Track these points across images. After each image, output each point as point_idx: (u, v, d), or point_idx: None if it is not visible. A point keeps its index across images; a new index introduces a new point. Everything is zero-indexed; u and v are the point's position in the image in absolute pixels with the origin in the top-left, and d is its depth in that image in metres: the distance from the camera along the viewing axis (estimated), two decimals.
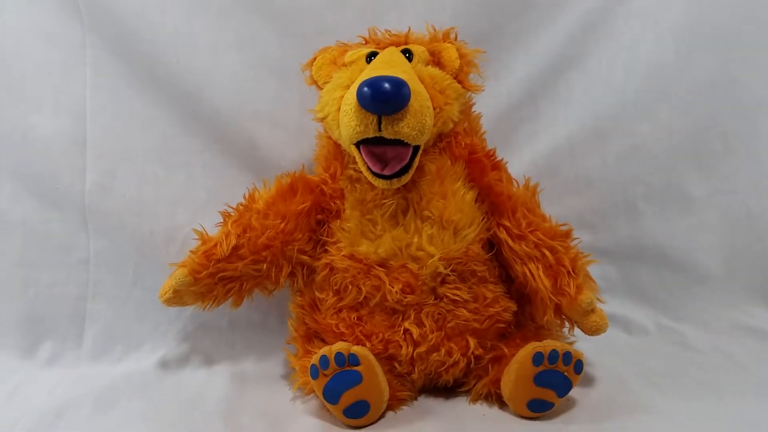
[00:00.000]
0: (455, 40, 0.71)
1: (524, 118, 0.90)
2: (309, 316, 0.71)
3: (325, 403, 0.62)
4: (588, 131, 0.89)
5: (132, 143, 0.81)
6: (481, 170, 0.68)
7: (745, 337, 0.85)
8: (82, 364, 0.79)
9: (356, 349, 0.62)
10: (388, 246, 0.65)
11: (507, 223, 0.67)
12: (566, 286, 0.66)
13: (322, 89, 0.69)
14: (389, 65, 0.62)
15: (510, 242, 0.67)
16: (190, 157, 0.82)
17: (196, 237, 0.70)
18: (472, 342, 0.66)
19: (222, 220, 0.70)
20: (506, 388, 0.64)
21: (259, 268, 0.68)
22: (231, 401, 0.70)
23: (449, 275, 0.65)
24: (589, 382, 0.72)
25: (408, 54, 0.67)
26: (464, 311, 0.66)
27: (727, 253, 0.92)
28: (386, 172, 0.61)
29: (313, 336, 0.71)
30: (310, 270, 0.71)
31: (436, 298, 0.66)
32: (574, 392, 0.65)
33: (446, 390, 0.70)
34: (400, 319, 0.66)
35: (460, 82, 0.67)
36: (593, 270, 0.86)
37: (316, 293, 0.70)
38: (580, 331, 0.70)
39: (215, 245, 0.67)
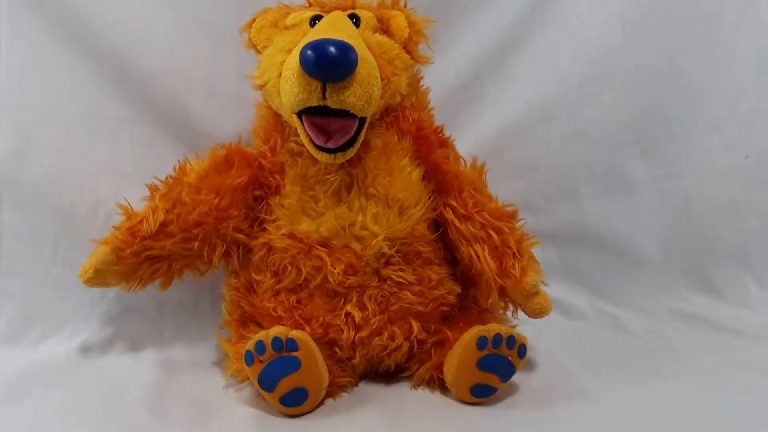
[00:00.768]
0: (404, 7, 0.68)
1: (470, 97, 0.88)
2: (244, 298, 0.67)
3: (261, 390, 0.59)
4: (533, 114, 0.88)
5: (51, 108, 0.75)
6: (429, 147, 0.66)
7: (681, 322, 0.87)
8: None
9: (295, 333, 0.58)
10: (331, 224, 0.62)
11: (453, 203, 0.65)
12: (511, 268, 0.64)
13: (261, 54, 0.65)
14: (335, 29, 0.59)
15: (456, 222, 0.65)
16: (115, 125, 0.76)
17: (121, 212, 0.65)
18: (415, 326, 0.64)
19: (149, 194, 0.65)
20: (449, 373, 0.63)
21: (190, 247, 0.64)
22: (158, 390, 0.65)
23: (393, 256, 0.63)
24: (528, 366, 0.71)
25: (355, 19, 0.64)
26: (408, 294, 0.63)
27: (666, 238, 0.93)
28: (330, 145, 0.58)
29: (248, 320, 0.68)
30: (247, 249, 0.67)
31: (379, 280, 0.63)
32: (516, 377, 0.64)
33: (387, 375, 0.68)
34: (342, 302, 0.63)
35: (408, 52, 0.65)
36: (536, 252, 0.87)
37: (253, 275, 0.66)
38: (520, 314, 0.69)
39: (141, 221, 0.63)
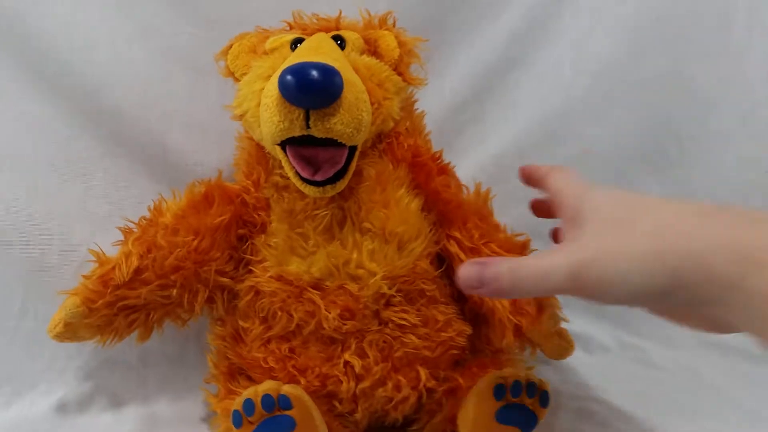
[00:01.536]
0: (393, 26, 0.63)
1: (469, 119, 0.83)
2: (231, 349, 0.61)
3: None
4: (537, 134, 0.84)
5: (18, 148, 0.69)
6: (427, 175, 0.61)
7: (712, 353, 0.81)
8: None
9: (287, 389, 0.53)
10: (323, 264, 0.56)
11: (458, 235, 0.60)
12: (526, 305, 0.59)
13: (239, 82, 0.60)
14: (318, 52, 0.54)
15: (462, 256, 0.59)
16: (88, 164, 0.71)
17: (92, 259, 0.59)
18: (423, 373, 0.58)
19: (123, 238, 0.60)
20: (464, 426, 0.57)
21: (168, 294, 0.58)
22: None
23: (394, 296, 0.57)
24: (550, 410, 0.63)
25: (340, 41, 0.59)
26: (413, 337, 0.57)
27: None
28: (318, 178, 0.53)
29: (236, 373, 0.62)
30: (232, 294, 0.61)
31: (380, 324, 0.57)
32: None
33: (394, 429, 0.62)
34: (340, 349, 0.57)
35: (400, 74, 0.60)
36: None
37: (240, 322, 0.61)
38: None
39: (113, 268, 0.57)
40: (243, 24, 0.67)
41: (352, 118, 0.50)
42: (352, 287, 0.56)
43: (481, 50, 0.82)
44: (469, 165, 0.82)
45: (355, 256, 0.56)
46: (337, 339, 0.57)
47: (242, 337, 0.61)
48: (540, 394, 0.56)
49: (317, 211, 0.56)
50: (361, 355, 0.57)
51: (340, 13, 0.62)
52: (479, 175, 0.80)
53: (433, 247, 0.60)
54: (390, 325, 0.57)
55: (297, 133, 0.50)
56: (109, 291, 0.56)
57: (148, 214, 0.61)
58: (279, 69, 0.51)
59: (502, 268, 0.39)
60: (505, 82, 0.83)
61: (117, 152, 0.72)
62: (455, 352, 0.61)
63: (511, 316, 0.58)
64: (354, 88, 0.51)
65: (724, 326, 0.39)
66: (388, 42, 0.60)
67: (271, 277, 0.57)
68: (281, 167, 0.56)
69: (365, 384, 0.56)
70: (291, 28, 0.63)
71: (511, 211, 0.79)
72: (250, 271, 0.59)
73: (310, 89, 0.47)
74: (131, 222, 0.60)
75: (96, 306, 0.56)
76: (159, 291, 0.58)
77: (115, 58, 0.71)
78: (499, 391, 0.55)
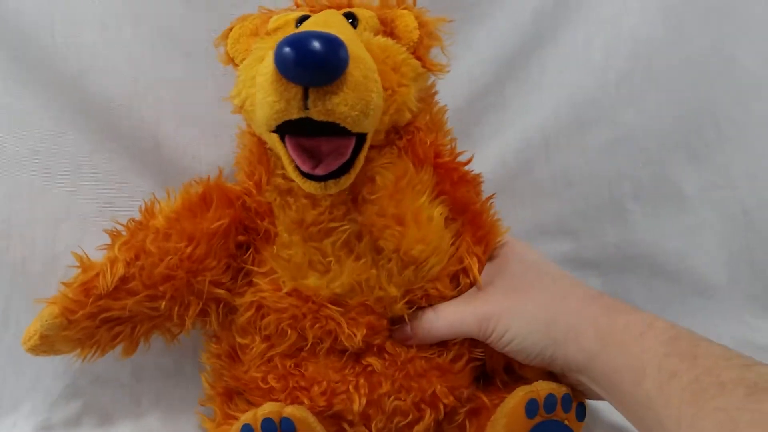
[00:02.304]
0: (413, 5, 0.57)
1: (490, 106, 0.77)
2: (228, 369, 0.56)
3: None
4: (564, 120, 0.77)
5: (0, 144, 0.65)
6: (453, 183, 0.55)
7: (750, 353, 0.72)
8: None
9: (291, 410, 0.48)
10: (346, 280, 0.50)
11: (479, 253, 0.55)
12: None
13: (239, 68, 0.53)
14: (324, 27, 0.46)
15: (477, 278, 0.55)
16: (75, 161, 0.66)
17: (75, 265, 0.54)
18: (441, 390, 0.53)
19: (110, 242, 0.54)
20: None
21: (157, 306, 0.52)
22: None
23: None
24: (586, 426, 0.59)
25: (352, 19, 0.52)
26: (427, 354, 0.53)
27: (725, 257, 0.82)
28: (318, 172, 0.45)
29: (234, 394, 0.56)
30: (229, 308, 0.55)
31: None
32: None
33: None
34: (350, 365, 0.52)
35: (419, 58, 0.53)
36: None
37: (238, 339, 0.55)
38: None
39: (96, 275, 0.51)
40: (243, 6, 0.61)
41: (358, 98, 0.43)
42: (376, 306, 0.51)
43: (502, 30, 0.76)
44: (489, 156, 0.76)
45: (374, 272, 0.51)
46: (345, 353, 0.53)
47: (239, 355, 0.56)
48: (576, 407, 0.52)
49: (334, 224, 0.50)
50: (374, 371, 0.52)
51: None
52: (501, 166, 0.76)
53: (454, 266, 0.55)
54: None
55: (294, 115, 0.43)
56: (90, 301, 0.51)
57: (139, 215, 0.55)
58: None
59: (420, 324, 0.52)
60: (529, 65, 0.77)
61: (107, 147, 0.66)
62: (475, 364, 0.56)
63: None
64: (362, 64, 0.44)
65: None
66: (406, 22, 0.54)
67: (285, 293, 0.52)
68: (284, 167, 0.50)
69: (379, 401, 0.52)
70: (298, 6, 0.57)
71: (536, 207, 0.78)
72: (251, 283, 0.54)
73: (310, 62, 0.40)
74: (120, 224, 0.55)
75: (76, 318, 0.51)
76: (147, 302, 0.52)
77: (102, 42, 0.65)
78: (531, 407, 0.50)
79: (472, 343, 0.55)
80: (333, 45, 0.40)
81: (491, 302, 0.52)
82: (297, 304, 0.51)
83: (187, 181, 0.57)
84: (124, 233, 0.54)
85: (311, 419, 0.48)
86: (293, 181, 0.49)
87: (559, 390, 0.51)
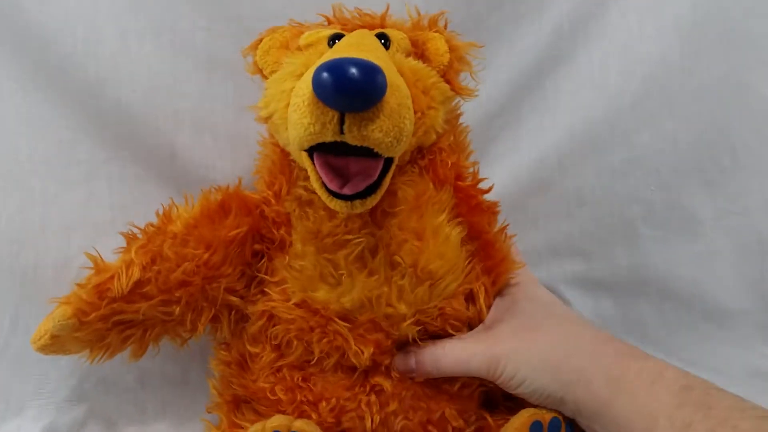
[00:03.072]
0: (445, 29, 0.57)
1: (505, 124, 0.77)
2: (236, 377, 0.56)
3: None
4: (579, 141, 0.77)
5: (14, 150, 0.65)
6: (471, 209, 0.55)
7: (760, 383, 0.75)
8: None
9: (299, 425, 0.48)
10: (356, 296, 0.50)
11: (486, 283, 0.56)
12: None
13: (267, 80, 0.54)
14: (359, 49, 0.47)
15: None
16: (91, 168, 0.66)
17: (88, 265, 0.54)
18: (450, 413, 0.53)
19: (125, 245, 0.54)
20: None
21: (170, 311, 0.52)
22: None
23: (421, 338, 0.53)
24: None
25: (384, 40, 0.52)
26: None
27: (738, 285, 0.81)
28: (346, 191, 0.46)
29: (242, 402, 0.56)
30: (240, 316, 0.56)
31: None
32: None
33: None
34: (360, 381, 0.52)
35: (448, 81, 0.53)
36: (587, 304, 0.79)
37: (248, 347, 0.55)
38: None
39: (111, 278, 0.51)
40: (264, 21, 0.61)
41: (393, 125, 0.43)
42: (384, 323, 0.51)
43: (520, 51, 0.76)
44: (503, 173, 0.76)
45: (385, 289, 0.51)
46: (355, 370, 0.52)
47: (249, 364, 0.56)
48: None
49: (349, 237, 0.50)
50: (383, 390, 0.52)
51: (388, 7, 0.57)
52: (514, 184, 0.76)
53: (468, 284, 0.55)
54: None
55: (329, 138, 0.43)
56: (104, 303, 0.51)
57: (155, 221, 0.56)
58: (313, 66, 0.45)
59: (425, 358, 0.51)
60: (545, 86, 0.77)
61: (122, 156, 0.67)
62: (484, 387, 0.56)
63: None
64: (398, 92, 0.44)
65: None
66: (437, 45, 0.54)
67: (294, 303, 0.52)
68: (306, 179, 0.50)
69: (387, 421, 0.51)
70: (329, 23, 0.58)
71: (548, 226, 0.78)
72: (263, 293, 0.54)
73: (349, 89, 0.41)
74: (136, 227, 0.55)
75: (88, 319, 0.51)
76: (161, 307, 0.52)
77: (122, 53, 0.66)
78: (535, 429, 0.50)
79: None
80: (372, 73, 0.41)
81: (500, 342, 0.51)
82: (305, 316, 0.51)
83: (202, 188, 0.58)
84: (140, 236, 0.54)
85: None
86: (314, 192, 0.49)
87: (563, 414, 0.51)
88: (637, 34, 0.76)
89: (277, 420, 0.48)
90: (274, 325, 0.53)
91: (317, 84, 0.41)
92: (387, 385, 0.52)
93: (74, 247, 0.64)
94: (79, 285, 0.53)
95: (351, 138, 0.43)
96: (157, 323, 0.54)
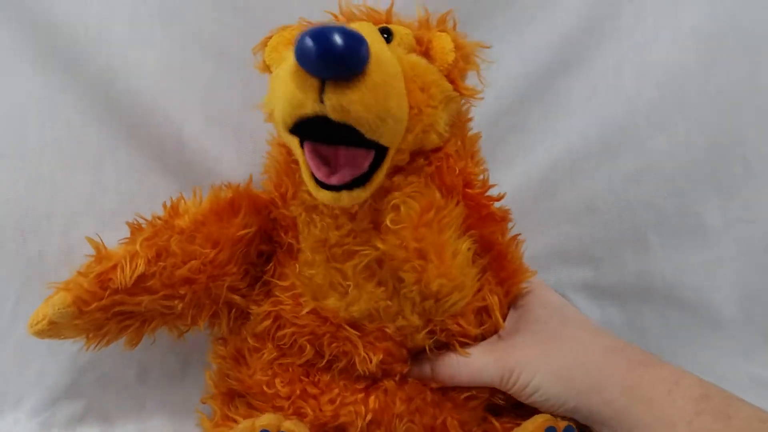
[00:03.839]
0: (453, 29, 0.55)
1: (515, 127, 0.76)
2: (233, 371, 0.56)
3: None
4: (591, 146, 0.76)
5: (21, 134, 0.64)
6: (482, 220, 0.53)
7: (763, 392, 0.72)
8: None
9: (288, 425, 0.47)
10: (364, 306, 0.50)
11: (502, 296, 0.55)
12: None
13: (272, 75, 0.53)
14: None
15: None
16: (98, 155, 0.65)
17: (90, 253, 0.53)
18: (451, 422, 0.53)
19: (130, 235, 0.54)
20: None
21: (172, 306, 0.51)
22: None
23: (430, 349, 0.52)
24: None
25: (387, 34, 0.50)
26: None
27: (744, 293, 0.80)
28: (333, 181, 0.44)
29: (236, 396, 0.56)
30: (240, 313, 0.55)
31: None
32: None
33: None
34: (366, 383, 0.52)
35: (451, 81, 0.51)
36: (594, 311, 0.78)
37: (250, 341, 0.54)
38: None
39: (114, 268, 0.50)
40: (273, 12, 0.61)
41: (375, 101, 0.41)
42: (394, 332, 0.50)
43: (531, 51, 0.75)
44: (513, 177, 0.75)
45: (395, 300, 0.50)
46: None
47: (245, 358, 0.55)
48: None
49: (357, 248, 0.49)
50: (386, 393, 0.52)
51: (393, 3, 0.55)
52: (523, 188, 0.75)
53: (479, 302, 0.54)
54: None
55: (309, 109, 0.41)
56: (106, 294, 0.50)
57: (161, 212, 0.55)
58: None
59: (441, 368, 0.51)
60: (556, 88, 0.76)
61: (130, 143, 0.66)
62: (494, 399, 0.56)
63: None
64: (385, 68, 0.42)
65: None
66: (443, 44, 0.51)
67: (307, 312, 0.51)
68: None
69: (394, 411, 0.51)
70: (336, 20, 0.56)
71: (557, 231, 0.77)
72: (269, 294, 0.53)
73: (328, 53, 0.38)
74: (142, 218, 0.54)
75: (89, 309, 0.50)
76: (163, 301, 0.51)
77: (132, 40, 0.65)
78: None
79: (491, 390, 0.54)
80: (354, 40, 0.38)
81: (514, 352, 0.51)
82: (317, 322, 0.51)
83: (208, 182, 0.57)
84: (145, 227, 0.53)
85: None
86: None
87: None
88: (653, 39, 0.75)
89: (266, 419, 0.47)
90: (280, 327, 0.52)
91: (298, 49, 0.39)
92: (391, 385, 0.51)
93: (80, 235, 0.61)
94: (80, 272, 0.51)
95: (331, 107, 0.40)
96: (157, 316, 0.53)
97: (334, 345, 0.51)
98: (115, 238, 0.54)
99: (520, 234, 0.58)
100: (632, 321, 0.79)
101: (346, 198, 0.45)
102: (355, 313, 0.50)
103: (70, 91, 0.64)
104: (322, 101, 0.40)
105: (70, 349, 0.62)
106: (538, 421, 0.49)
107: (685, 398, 0.44)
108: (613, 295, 0.78)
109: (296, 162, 0.51)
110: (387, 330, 0.50)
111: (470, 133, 0.57)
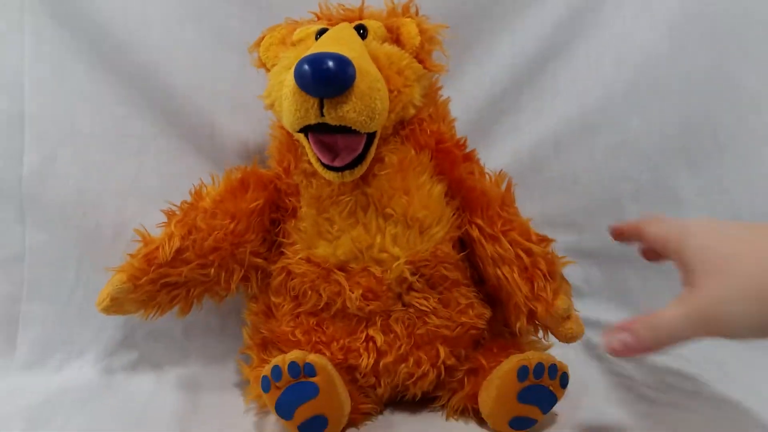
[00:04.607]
0: (416, 14, 0.64)
1: (508, 108, 0.84)
2: (264, 323, 0.65)
3: (279, 418, 0.55)
4: (574, 124, 0.83)
5: (77, 124, 0.72)
6: (451, 162, 0.62)
7: (736, 345, 0.76)
8: (13, 374, 0.70)
9: (313, 357, 0.55)
10: (347, 248, 0.58)
11: (479, 222, 0.61)
12: (542, 291, 0.59)
13: (270, 72, 0.62)
14: (337, 43, 0.55)
15: (483, 242, 0.61)
16: (141, 142, 0.74)
17: (137, 239, 0.62)
18: (442, 351, 0.60)
19: (166, 220, 0.63)
20: (485, 404, 0.58)
21: (207, 273, 0.61)
22: (184, 416, 0.62)
23: (417, 282, 0.59)
24: (574, 394, 0.64)
25: (362, 30, 0.60)
26: (434, 318, 0.60)
27: None
28: (337, 164, 0.55)
29: (269, 344, 0.64)
30: (265, 274, 0.65)
31: (403, 305, 0.60)
32: (561, 406, 0.59)
33: (414, 404, 0.64)
34: (364, 326, 0.60)
35: (421, 61, 0.61)
36: (577, 272, 0.84)
37: (272, 298, 0.64)
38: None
39: (156, 248, 0.60)
40: (292, 11, 0.68)
41: (364, 106, 0.51)
42: (376, 270, 0.58)
43: (523, 40, 0.82)
44: (506, 153, 0.82)
45: (378, 240, 0.58)
46: (361, 317, 0.59)
47: (273, 312, 0.64)
48: (560, 376, 0.57)
49: (342, 197, 0.58)
50: (385, 332, 0.59)
51: (363, 2, 0.64)
52: (515, 162, 0.82)
53: (455, 232, 0.61)
54: (412, 308, 0.59)
55: (312, 120, 0.52)
56: (152, 269, 0.60)
57: (190, 196, 0.64)
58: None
59: (644, 333, 0.45)
60: (545, 72, 0.83)
61: (168, 131, 0.74)
62: (474, 332, 0.62)
63: (527, 302, 0.60)
64: (367, 77, 0.52)
65: None
66: (409, 30, 0.62)
67: (300, 259, 0.60)
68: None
69: (387, 359, 0.59)
70: (318, 18, 0.65)
71: (544, 201, 0.83)
72: (282, 253, 0.62)
73: (322, 79, 0.49)
74: (174, 205, 0.63)
75: (140, 282, 0.60)
76: (198, 269, 0.61)
77: (168, 40, 0.73)
78: (522, 372, 0.56)
79: (478, 315, 0.61)
80: (342, 64, 0.50)
81: (698, 298, 0.43)
82: (311, 269, 0.59)
83: (237, 163, 0.66)
84: (177, 212, 0.63)
85: (330, 367, 0.55)
86: None
87: (547, 360, 0.57)
88: (632, 28, 0.81)
89: (294, 353, 0.55)
90: (291, 279, 0.61)
91: (298, 76, 0.50)
92: (379, 339, 0.59)
93: (129, 211, 0.72)
94: (130, 255, 0.61)
95: (330, 119, 0.52)
96: (198, 284, 0.63)
97: (327, 288, 0.59)
98: (158, 214, 0.63)
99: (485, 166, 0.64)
100: (613, 281, 0.85)
101: (349, 176, 0.56)
102: (341, 256, 0.58)
103: (116, 86, 0.72)
104: (322, 114, 0.51)
105: None
106: (513, 361, 0.56)
107: None
108: (595, 257, 0.84)
109: (297, 141, 0.61)
110: (370, 269, 0.58)
111: (441, 99, 0.66)
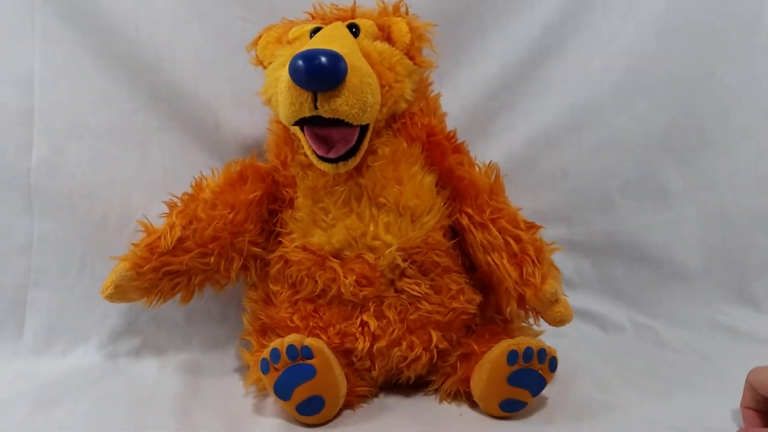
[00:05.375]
0: (406, 13, 0.65)
1: (501, 107, 0.84)
2: (263, 310, 0.66)
3: (277, 399, 0.56)
4: (565, 123, 0.84)
5: (84, 118, 0.73)
6: (441, 153, 0.63)
7: (721, 336, 0.82)
8: (20, 358, 0.71)
9: (310, 341, 0.56)
10: (342, 236, 0.59)
11: (469, 210, 0.62)
12: (531, 276, 0.60)
13: (266, 69, 0.64)
14: (330, 40, 0.57)
15: (473, 229, 0.62)
16: (146, 136, 0.75)
17: (141, 229, 0.63)
18: (435, 335, 0.61)
19: (168, 211, 0.64)
20: (477, 387, 0.59)
21: (207, 261, 0.63)
22: (185, 399, 0.63)
23: (409, 268, 0.60)
24: (564, 379, 0.67)
25: (354, 29, 0.61)
26: (426, 304, 0.61)
27: (703, 249, 0.88)
28: (331, 155, 0.56)
29: (268, 330, 0.65)
30: (264, 263, 0.66)
31: (396, 291, 0.61)
32: (553, 391, 0.61)
33: (408, 388, 0.65)
34: (358, 311, 0.61)
35: (411, 58, 0.62)
36: (568, 264, 0.85)
37: (271, 286, 0.65)
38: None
39: (159, 237, 0.61)
40: (292, 12, 0.69)
41: (356, 99, 0.53)
42: (369, 257, 0.59)
43: (515, 41, 0.83)
44: (500, 150, 0.83)
45: (371, 228, 0.59)
46: (356, 303, 0.60)
47: (272, 299, 0.65)
48: (549, 360, 0.58)
49: (336, 187, 0.59)
50: (378, 317, 0.60)
51: (355, 2, 0.65)
52: (507, 159, 0.82)
53: (445, 221, 0.62)
54: (404, 294, 0.60)
55: (306, 113, 0.53)
56: (155, 257, 0.61)
57: (190, 189, 0.65)
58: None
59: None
60: (536, 73, 0.84)
61: (173, 126, 0.75)
62: (466, 317, 0.63)
63: (516, 286, 0.60)
64: (359, 72, 0.54)
65: None
66: (400, 28, 0.63)
67: (297, 247, 0.61)
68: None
69: (381, 343, 0.60)
70: (313, 18, 0.66)
71: (536, 196, 0.84)
72: (280, 243, 0.63)
73: (316, 73, 0.51)
74: (175, 197, 0.64)
75: (143, 270, 0.61)
76: (199, 258, 0.62)
77: (174, 39, 0.74)
78: (512, 357, 0.56)
79: (469, 300, 0.62)
80: (334, 60, 0.51)
81: None
82: (307, 257, 0.60)
83: (240, 157, 0.67)
84: (179, 203, 0.64)
85: (326, 350, 0.56)
86: None
87: (536, 345, 0.57)
88: (620, 30, 0.82)
89: (292, 337, 0.56)
90: (288, 267, 0.62)
91: (292, 71, 0.52)
92: (372, 324, 0.59)
93: (134, 202, 0.73)
94: (134, 244, 0.62)
95: (323, 112, 0.53)
96: (199, 272, 0.64)
97: (323, 275, 0.60)
98: (162, 206, 0.64)
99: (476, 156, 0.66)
100: (602, 273, 0.86)
101: (343, 167, 0.57)
102: (336, 243, 0.59)
103: (122, 82, 0.73)
104: (316, 108, 0.53)
105: None
106: (503, 346, 0.57)
107: None
108: (584, 250, 0.85)
109: (293, 134, 0.62)
110: (364, 256, 0.59)
111: (432, 94, 0.68)
